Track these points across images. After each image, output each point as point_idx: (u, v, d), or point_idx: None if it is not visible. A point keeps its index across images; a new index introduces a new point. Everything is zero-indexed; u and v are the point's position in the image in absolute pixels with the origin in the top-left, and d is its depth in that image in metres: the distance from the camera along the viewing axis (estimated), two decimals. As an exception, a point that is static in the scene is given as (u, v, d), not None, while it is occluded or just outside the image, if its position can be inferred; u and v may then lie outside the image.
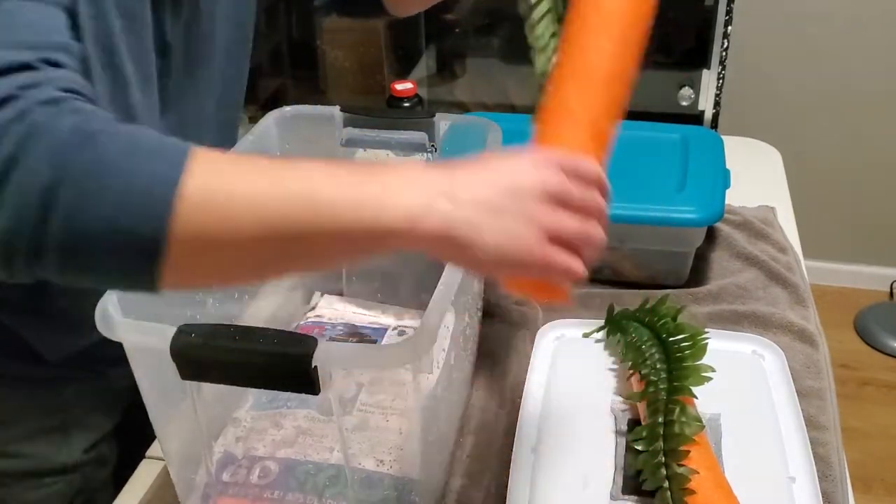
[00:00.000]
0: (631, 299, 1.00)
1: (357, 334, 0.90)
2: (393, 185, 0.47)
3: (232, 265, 0.46)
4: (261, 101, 2.06)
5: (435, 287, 0.61)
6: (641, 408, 0.79)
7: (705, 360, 0.78)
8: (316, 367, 0.54)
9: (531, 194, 0.49)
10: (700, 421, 0.73)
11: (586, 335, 0.94)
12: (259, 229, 0.44)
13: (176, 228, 0.42)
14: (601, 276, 1.06)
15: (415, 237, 0.47)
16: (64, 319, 0.77)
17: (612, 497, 0.74)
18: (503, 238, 0.48)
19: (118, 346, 0.61)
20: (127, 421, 0.90)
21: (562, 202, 0.50)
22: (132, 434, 0.88)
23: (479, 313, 0.97)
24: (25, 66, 0.43)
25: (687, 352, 0.80)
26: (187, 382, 0.61)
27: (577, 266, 0.51)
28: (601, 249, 0.52)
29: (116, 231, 0.42)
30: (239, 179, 0.44)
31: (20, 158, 0.41)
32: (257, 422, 0.78)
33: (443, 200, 0.47)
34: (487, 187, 0.48)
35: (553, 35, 0.69)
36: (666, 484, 0.70)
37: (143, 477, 0.83)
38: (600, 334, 0.94)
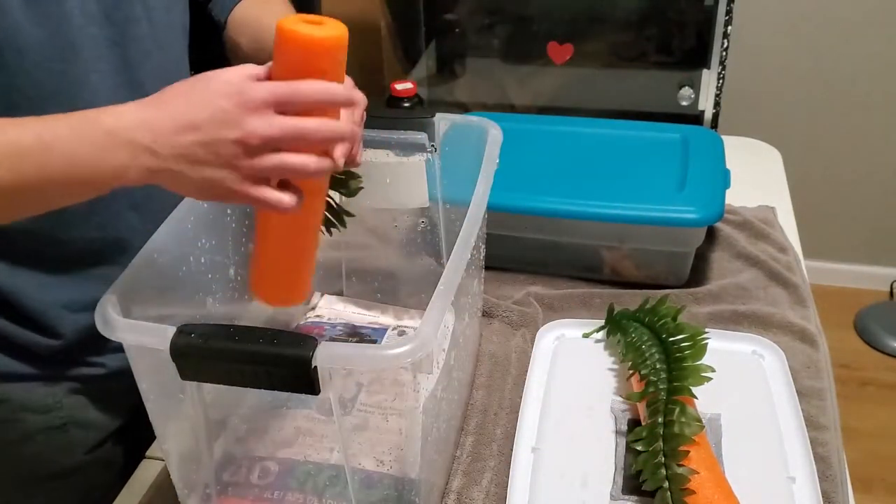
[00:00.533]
0: (631, 299, 1.00)
1: (357, 334, 0.90)
2: (101, 144, 0.52)
3: None
4: (261, 101, 2.05)
5: (435, 287, 0.61)
6: (641, 408, 0.79)
7: (705, 361, 0.78)
8: (316, 367, 0.54)
9: (229, 141, 0.53)
10: (700, 421, 0.73)
11: (586, 335, 0.94)
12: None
13: None
14: (601, 276, 1.06)
15: (126, 184, 0.54)
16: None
17: (612, 497, 0.74)
18: (204, 185, 0.54)
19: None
20: (128, 421, 0.90)
21: (265, 140, 0.53)
22: (133, 434, 0.88)
23: (479, 313, 0.97)
24: None
25: (687, 352, 0.80)
26: (187, 382, 0.61)
27: (285, 198, 0.56)
28: (319, 169, 0.56)
29: None
30: None
31: None
32: (257, 422, 0.78)
33: (146, 156, 0.53)
34: (189, 137, 0.52)
35: None
36: (666, 484, 0.70)
37: (143, 477, 0.83)
38: (600, 334, 0.94)
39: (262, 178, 0.55)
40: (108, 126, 0.52)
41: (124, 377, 0.64)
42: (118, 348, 0.61)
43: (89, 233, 0.77)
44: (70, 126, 0.53)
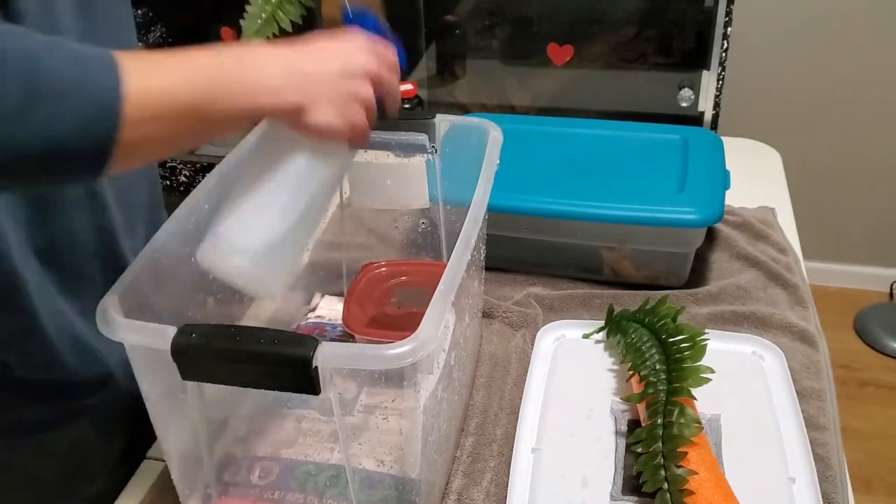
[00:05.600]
0: (631, 300, 1.00)
1: (357, 335, 0.90)
2: (289, 85, 0.60)
3: (163, 143, 0.55)
4: (261, 101, 2.05)
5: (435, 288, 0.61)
6: (641, 409, 0.79)
7: (705, 361, 0.78)
8: (317, 367, 0.54)
9: (358, 74, 0.64)
10: (699, 422, 0.73)
11: (586, 336, 0.94)
12: (184, 112, 0.54)
13: (124, 128, 0.50)
14: (601, 277, 1.06)
15: (275, 106, 0.60)
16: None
17: (612, 497, 0.74)
18: (352, 116, 0.63)
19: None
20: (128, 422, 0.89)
21: (374, 80, 0.65)
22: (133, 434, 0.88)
23: (480, 314, 0.97)
24: None
25: (686, 353, 0.80)
26: (188, 382, 0.61)
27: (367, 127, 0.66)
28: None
29: (71, 138, 0.48)
30: (164, 76, 0.53)
31: None
32: (258, 422, 0.78)
33: (298, 77, 0.60)
34: (329, 68, 0.62)
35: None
36: (665, 485, 0.70)
37: (144, 477, 0.83)
38: (600, 335, 0.94)
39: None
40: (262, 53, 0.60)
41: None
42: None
43: None
44: (236, 57, 0.59)
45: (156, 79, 0.53)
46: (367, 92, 0.65)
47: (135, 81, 0.51)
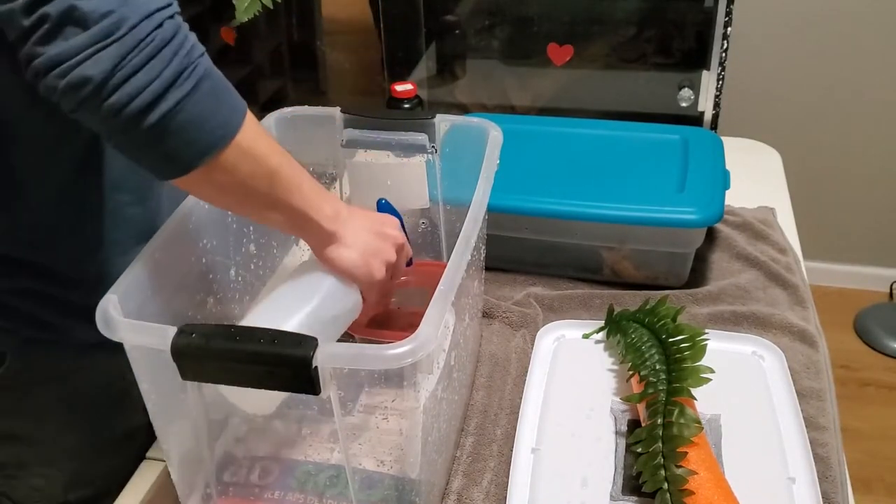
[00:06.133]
0: (631, 300, 1.00)
1: (357, 335, 0.90)
2: (334, 217, 0.70)
3: (234, 196, 0.65)
4: (261, 102, 2.06)
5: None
6: (641, 409, 0.79)
7: (705, 361, 0.79)
8: (316, 367, 0.54)
9: (389, 240, 0.75)
10: (699, 422, 0.73)
11: (586, 336, 0.94)
12: (263, 184, 0.64)
13: (219, 158, 0.59)
14: (601, 277, 1.06)
15: (326, 254, 0.71)
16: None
17: (612, 497, 0.74)
18: (375, 267, 0.73)
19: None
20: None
21: (397, 251, 0.76)
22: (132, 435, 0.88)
23: (480, 314, 0.97)
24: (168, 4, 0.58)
25: (686, 353, 0.80)
26: (187, 382, 0.61)
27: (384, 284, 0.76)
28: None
29: (191, 134, 0.57)
30: (268, 149, 0.64)
31: (184, 44, 0.57)
32: (257, 422, 0.78)
33: (344, 216, 0.71)
34: (367, 226, 0.74)
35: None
36: (665, 485, 0.70)
37: (144, 477, 0.83)
38: (600, 335, 0.94)
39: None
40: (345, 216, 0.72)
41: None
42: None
43: None
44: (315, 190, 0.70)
45: (264, 140, 0.64)
46: (392, 256, 0.75)
47: (249, 135, 0.61)
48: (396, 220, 0.78)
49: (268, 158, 0.64)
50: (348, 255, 0.71)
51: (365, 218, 0.74)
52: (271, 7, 0.85)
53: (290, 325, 0.67)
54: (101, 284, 0.64)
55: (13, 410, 0.81)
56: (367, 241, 0.73)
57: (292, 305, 0.69)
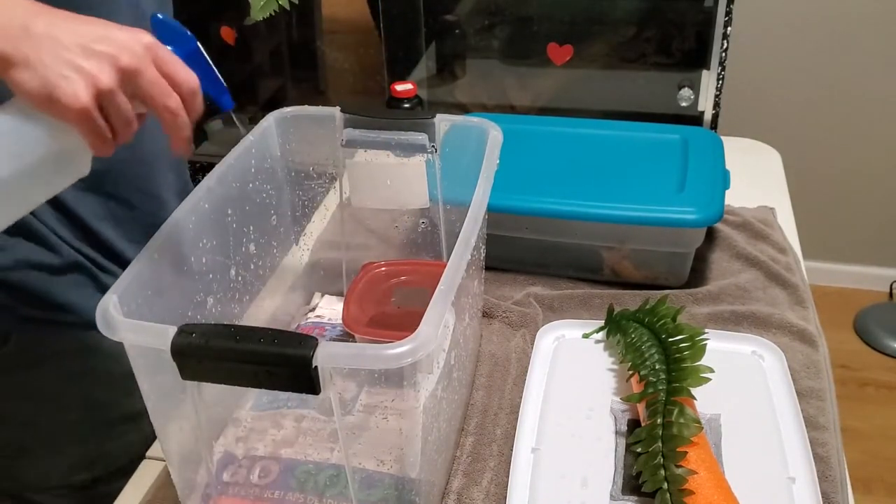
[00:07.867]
0: (631, 300, 1.00)
1: (357, 335, 0.90)
2: (21, 34, 0.54)
3: None
4: (261, 101, 2.06)
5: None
6: (641, 409, 0.79)
7: (705, 361, 0.79)
8: (316, 367, 0.54)
9: (101, 58, 0.56)
10: (699, 422, 0.73)
11: (586, 336, 0.94)
12: None
13: None
14: (601, 277, 1.06)
15: (7, 79, 0.55)
16: None
17: (612, 497, 0.74)
18: (55, 78, 0.55)
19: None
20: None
21: (131, 80, 0.57)
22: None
23: (480, 314, 0.97)
24: None
25: (686, 352, 0.80)
26: (187, 382, 0.61)
27: (109, 141, 0.58)
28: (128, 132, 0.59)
29: None
30: None
31: None
32: (257, 422, 0.78)
33: (18, 30, 0.55)
34: (67, 39, 0.56)
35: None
36: (665, 485, 0.70)
37: (143, 477, 0.83)
38: (600, 335, 0.94)
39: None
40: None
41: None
42: None
43: None
44: None
45: None
46: (103, 73, 0.56)
47: None
48: (147, 37, 0.59)
49: None
50: (28, 77, 0.55)
51: (72, 33, 0.56)
52: (288, 8, 0.85)
53: None
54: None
55: (16, 393, 0.81)
56: (60, 57, 0.56)
57: None
